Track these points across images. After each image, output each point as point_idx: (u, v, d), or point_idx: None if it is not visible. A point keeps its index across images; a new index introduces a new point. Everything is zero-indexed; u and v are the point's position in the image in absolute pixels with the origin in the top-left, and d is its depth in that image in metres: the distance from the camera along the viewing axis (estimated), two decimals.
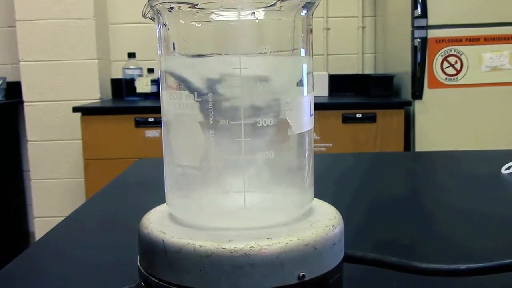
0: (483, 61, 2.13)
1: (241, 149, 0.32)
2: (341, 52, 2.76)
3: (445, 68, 2.14)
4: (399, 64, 2.39)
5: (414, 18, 2.13)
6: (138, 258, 0.34)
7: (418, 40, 2.13)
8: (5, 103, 2.65)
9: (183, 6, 0.33)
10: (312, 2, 0.34)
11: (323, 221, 0.34)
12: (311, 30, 0.36)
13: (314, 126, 0.36)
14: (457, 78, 2.14)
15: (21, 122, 2.70)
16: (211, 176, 0.33)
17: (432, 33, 2.12)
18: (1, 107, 2.64)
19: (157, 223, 0.34)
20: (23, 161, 2.76)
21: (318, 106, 2.15)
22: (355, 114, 2.21)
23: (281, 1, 0.32)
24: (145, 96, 2.55)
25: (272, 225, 0.33)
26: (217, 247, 0.30)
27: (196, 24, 0.33)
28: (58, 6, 2.47)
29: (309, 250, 0.31)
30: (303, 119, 0.34)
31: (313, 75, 0.36)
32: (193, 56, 0.35)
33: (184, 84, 0.34)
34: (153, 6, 0.34)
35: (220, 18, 0.33)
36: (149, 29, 2.66)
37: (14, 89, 2.63)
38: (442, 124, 2.17)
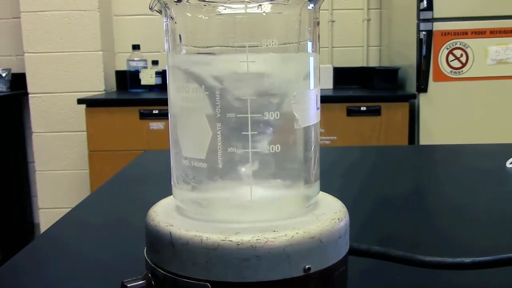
0: (489, 54, 2.12)
1: (248, 142, 0.33)
2: (346, 44, 2.75)
3: (451, 61, 2.13)
4: (404, 57, 2.39)
5: (419, 10, 2.11)
6: (145, 250, 0.35)
7: (424, 33, 2.12)
8: (10, 94, 2.66)
9: None
10: None
11: (329, 214, 0.34)
12: (318, 23, 0.36)
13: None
14: (462, 71, 2.13)
15: (26, 113, 2.70)
16: (217, 169, 0.33)
17: (438, 26, 2.11)
18: (6, 98, 2.65)
19: (164, 215, 0.34)
20: (28, 153, 2.77)
21: (323, 99, 2.13)
22: (360, 107, 2.20)
23: None
24: (150, 88, 2.55)
25: (278, 218, 0.33)
26: (224, 239, 0.30)
27: (203, 17, 0.33)
28: None
29: (314, 243, 0.31)
30: (310, 113, 0.34)
31: (319, 68, 0.36)
32: (200, 49, 0.35)
33: (191, 77, 0.34)
34: None
35: (227, 11, 0.33)
36: (153, 21, 2.66)
37: (19, 80, 2.64)
38: (447, 117, 2.17)
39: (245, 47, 0.32)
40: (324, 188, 0.38)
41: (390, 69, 2.47)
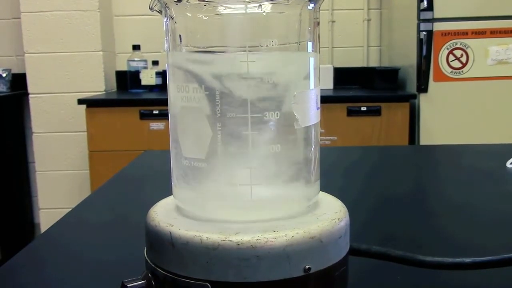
0: (489, 54, 2.12)
1: (248, 142, 0.33)
2: (346, 45, 2.75)
3: (451, 61, 2.13)
4: (405, 57, 2.39)
5: (420, 11, 2.11)
6: (145, 250, 0.35)
7: (424, 33, 2.12)
8: (10, 94, 2.66)
9: None
10: None
11: (329, 214, 0.34)
12: (318, 23, 0.36)
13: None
14: (462, 71, 2.13)
15: (26, 113, 2.70)
16: (218, 168, 0.33)
17: (438, 26, 2.11)
18: (6, 98, 2.65)
19: (164, 215, 0.34)
20: (28, 153, 2.77)
21: (323, 99, 2.12)
22: (360, 107, 2.20)
23: None
24: (150, 88, 2.55)
25: (278, 218, 0.33)
26: (224, 239, 0.30)
27: (203, 17, 0.33)
28: None
29: (315, 243, 0.31)
30: (310, 113, 0.34)
31: (319, 68, 0.36)
32: (200, 49, 0.35)
33: (191, 77, 0.34)
34: None
35: (227, 11, 0.33)
36: (153, 21, 2.66)
37: (19, 81, 2.64)
38: (447, 117, 2.17)
39: (245, 47, 0.32)
40: (324, 188, 0.38)
41: (391, 69, 2.47)
